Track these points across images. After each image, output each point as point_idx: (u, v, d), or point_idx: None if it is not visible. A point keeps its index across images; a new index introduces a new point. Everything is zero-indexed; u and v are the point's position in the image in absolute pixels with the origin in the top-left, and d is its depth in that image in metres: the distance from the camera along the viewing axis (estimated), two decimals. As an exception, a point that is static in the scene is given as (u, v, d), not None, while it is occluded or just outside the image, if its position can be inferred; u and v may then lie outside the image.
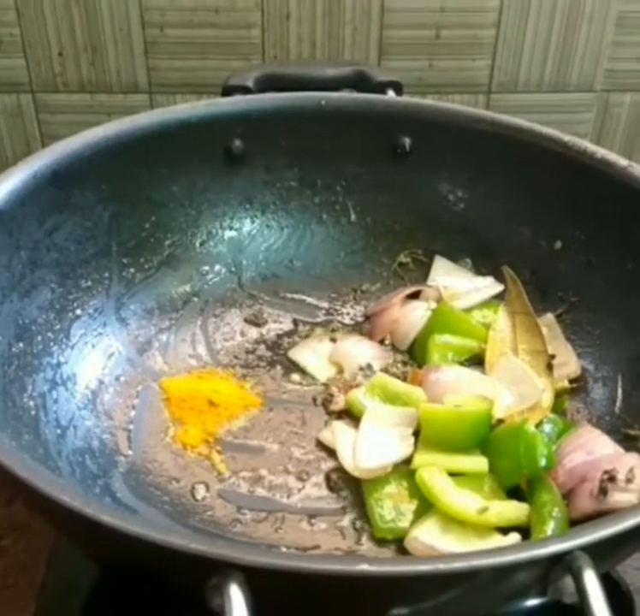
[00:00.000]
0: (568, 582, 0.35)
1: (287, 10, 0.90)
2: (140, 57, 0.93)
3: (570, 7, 0.91)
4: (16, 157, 0.97)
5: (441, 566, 0.33)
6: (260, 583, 0.33)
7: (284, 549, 0.50)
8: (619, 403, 0.57)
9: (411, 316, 0.64)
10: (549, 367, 0.58)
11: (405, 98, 0.74)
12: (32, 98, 0.94)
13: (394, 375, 0.61)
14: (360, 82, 0.76)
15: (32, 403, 0.53)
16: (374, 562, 0.32)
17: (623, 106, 0.98)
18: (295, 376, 0.63)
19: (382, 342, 0.65)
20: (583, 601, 0.33)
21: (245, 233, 0.71)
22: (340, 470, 0.55)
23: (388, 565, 0.33)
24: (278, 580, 0.33)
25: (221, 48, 0.93)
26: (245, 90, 0.73)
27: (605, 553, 0.36)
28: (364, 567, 0.32)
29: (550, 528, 0.47)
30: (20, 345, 0.54)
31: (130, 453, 0.55)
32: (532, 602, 0.38)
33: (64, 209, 0.60)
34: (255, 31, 0.92)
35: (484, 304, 0.65)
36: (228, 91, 0.73)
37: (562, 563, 0.34)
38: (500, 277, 0.66)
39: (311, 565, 0.32)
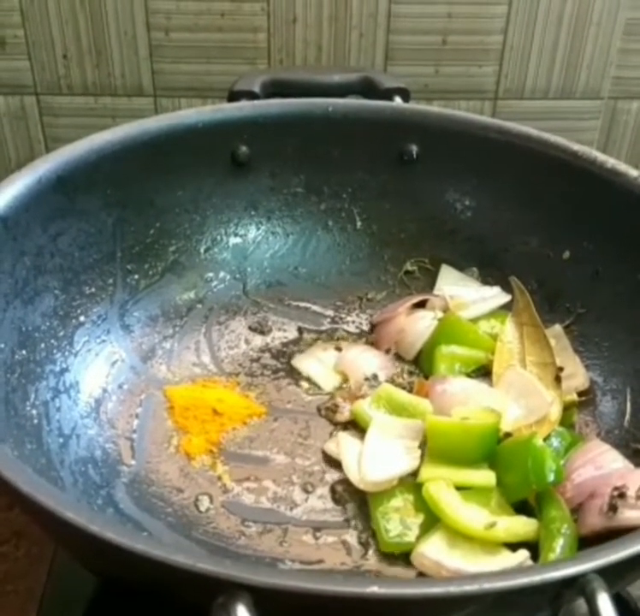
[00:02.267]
0: (580, 604, 0.34)
1: (293, 14, 0.90)
2: (145, 60, 0.92)
3: (577, 14, 0.91)
4: (20, 160, 0.97)
5: (452, 589, 0.32)
6: (268, 602, 0.33)
7: (289, 563, 0.49)
8: (628, 417, 0.57)
9: (418, 325, 0.64)
10: (558, 379, 0.58)
11: (413, 105, 0.73)
12: (36, 101, 0.94)
13: (400, 385, 0.60)
14: (367, 88, 0.75)
15: (34, 411, 0.52)
16: (384, 584, 0.32)
17: (630, 114, 0.97)
18: (300, 386, 0.63)
19: (387, 352, 0.65)
20: (596, 624, 0.33)
21: (251, 239, 0.70)
22: (346, 482, 0.54)
23: (398, 587, 0.32)
24: (286, 600, 0.33)
25: (226, 52, 0.92)
26: (252, 95, 0.73)
27: (618, 575, 0.36)
28: (374, 589, 0.32)
29: (559, 545, 0.47)
30: (23, 352, 0.54)
31: (133, 462, 0.55)
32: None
33: (69, 214, 0.59)
34: (261, 35, 0.91)
35: (491, 314, 0.64)
36: (234, 96, 0.73)
37: (575, 585, 0.34)
38: (507, 287, 0.66)
39: (320, 586, 0.32)
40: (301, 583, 0.32)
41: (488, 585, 0.33)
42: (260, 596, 0.32)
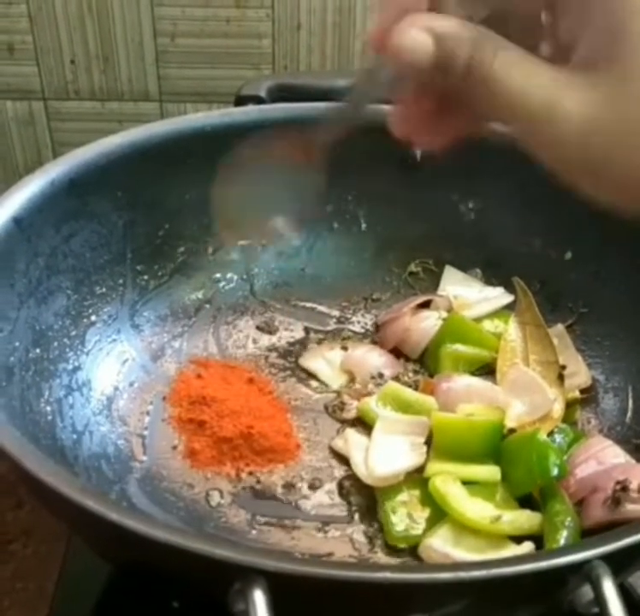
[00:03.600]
0: (585, 591, 0.35)
1: (297, 21, 0.91)
2: (151, 66, 0.93)
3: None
4: (27, 164, 0.98)
5: (461, 575, 0.33)
6: (283, 589, 0.34)
7: (298, 556, 0.50)
8: (629, 414, 0.58)
9: (422, 325, 0.65)
10: (560, 377, 0.59)
11: (417, 110, 0.74)
12: (44, 106, 0.95)
13: (406, 384, 0.61)
14: (372, 93, 0.76)
15: (48, 408, 0.53)
16: (396, 570, 0.33)
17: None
18: (307, 384, 0.64)
19: (392, 351, 0.66)
20: (602, 610, 0.34)
21: (257, 241, 0.71)
22: (353, 477, 0.55)
23: (409, 572, 0.33)
24: (301, 586, 0.34)
25: (231, 57, 0.94)
26: (258, 100, 0.74)
27: (623, 562, 0.37)
28: (387, 575, 0.33)
29: (563, 537, 0.48)
30: (37, 350, 0.55)
31: (145, 458, 0.56)
32: (549, 611, 0.38)
33: (80, 216, 0.60)
34: (266, 41, 0.93)
35: (495, 314, 0.65)
36: (240, 100, 0.74)
37: (581, 572, 0.35)
38: (510, 287, 0.67)
39: (334, 571, 0.33)
40: (316, 569, 0.33)
41: (496, 571, 0.34)
42: (277, 582, 0.33)
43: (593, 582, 0.34)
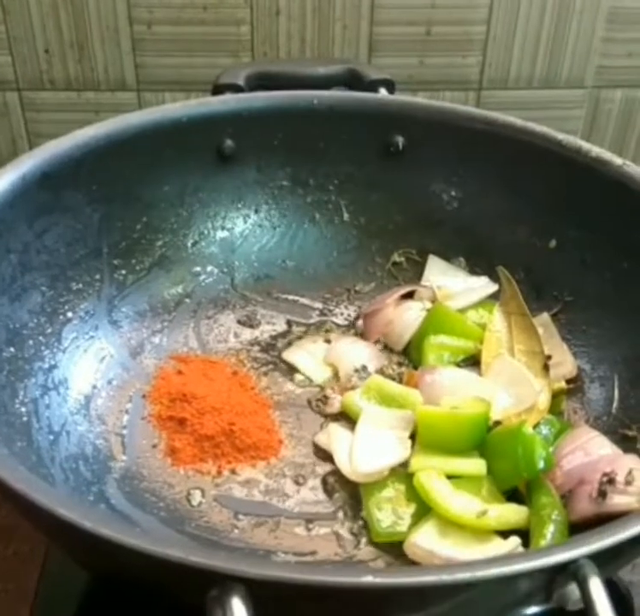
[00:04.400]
0: (573, 589, 0.35)
1: (276, 7, 0.90)
2: (128, 55, 0.91)
3: (560, 3, 0.91)
4: (2, 156, 0.96)
5: (445, 577, 0.32)
6: (262, 594, 0.33)
7: (282, 555, 0.49)
8: (616, 403, 0.57)
9: (406, 316, 0.64)
10: (546, 368, 0.58)
11: (398, 97, 0.73)
12: (19, 96, 0.93)
13: (390, 376, 0.61)
14: (352, 80, 0.75)
15: (23, 409, 0.52)
16: (379, 573, 0.32)
17: (614, 102, 0.97)
18: (290, 378, 0.63)
19: (376, 343, 0.65)
20: (588, 608, 0.33)
21: (238, 233, 0.70)
22: (337, 473, 0.54)
23: (392, 576, 0.33)
24: (280, 591, 0.33)
25: (209, 45, 0.92)
26: (236, 88, 0.72)
27: (609, 560, 0.36)
28: (369, 579, 0.32)
29: (550, 531, 0.47)
30: (11, 349, 0.53)
31: (124, 458, 0.55)
32: (536, 610, 0.37)
33: (54, 211, 0.59)
34: (244, 28, 0.91)
35: (479, 304, 0.65)
36: (218, 89, 0.72)
37: (567, 571, 0.34)
38: (494, 277, 0.66)
39: (315, 577, 0.32)
40: (295, 575, 0.32)
41: (480, 573, 0.33)
42: (254, 588, 0.32)
43: (579, 581, 0.34)
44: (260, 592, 0.32)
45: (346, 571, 0.37)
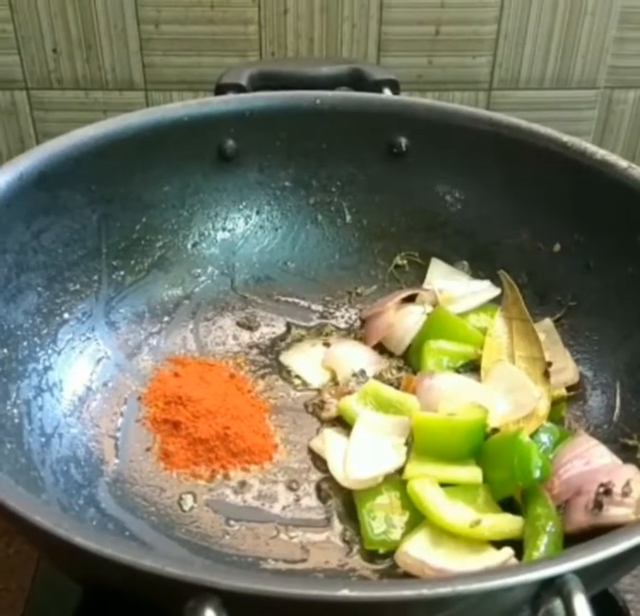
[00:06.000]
0: (559, 605, 0.34)
1: (284, 6, 0.89)
2: (135, 54, 0.91)
3: (572, 2, 0.89)
4: (11, 155, 0.96)
5: (425, 592, 0.32)
6: (238, 606, 0.32)
7: (272, 562, 0.49)
8: (617, 411, 0.56)
9: (407, 320, 0.63)
10: (546, 374, 0.57)
11: (402, 97, 0.72)
12: (27, 95, 0.93)
13: (388, 381, 0.60)
14: (357, 81, 0.74)
15: (15, 411, 0.52)
16: (355, 587, 0.31)
17: (626, 103, 0.96)
18: (288, 382, 0.62)
19: (377, 347, 0.64)
20: (572, 626, 0.32)
21: (239, 234, 0.69)
22: (331, 479, 0.54)
23: (369, 590, 0.32)
24: (256, 604, 0.32)
25: (217, 44, 0.91)
26: (239, 88, 0.72)
27: (596, 576, 0.35)
28: (345, 593, 0.31)
29: (543, 543, 0.46)
30: (5, 350, 0.53)
31: (116, 461, 0.54)
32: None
33: (51, 211, 0.58)
34: (252, 27, 0.90)
35: (481, 308, 0.63)
36: (221, 89, 0.72)
37: (553, 586, 0.33)
38: (497, 280, 0.65)
39: (289, 590, 0.31)
40: (270, 587, 0.31)
41: (461, 588, 0.32)
42: (230, 600, 0.32)
43: (564, 597, 0.33)
44: (235, 603, 0.32)
45: (321, 584, 0.36)
